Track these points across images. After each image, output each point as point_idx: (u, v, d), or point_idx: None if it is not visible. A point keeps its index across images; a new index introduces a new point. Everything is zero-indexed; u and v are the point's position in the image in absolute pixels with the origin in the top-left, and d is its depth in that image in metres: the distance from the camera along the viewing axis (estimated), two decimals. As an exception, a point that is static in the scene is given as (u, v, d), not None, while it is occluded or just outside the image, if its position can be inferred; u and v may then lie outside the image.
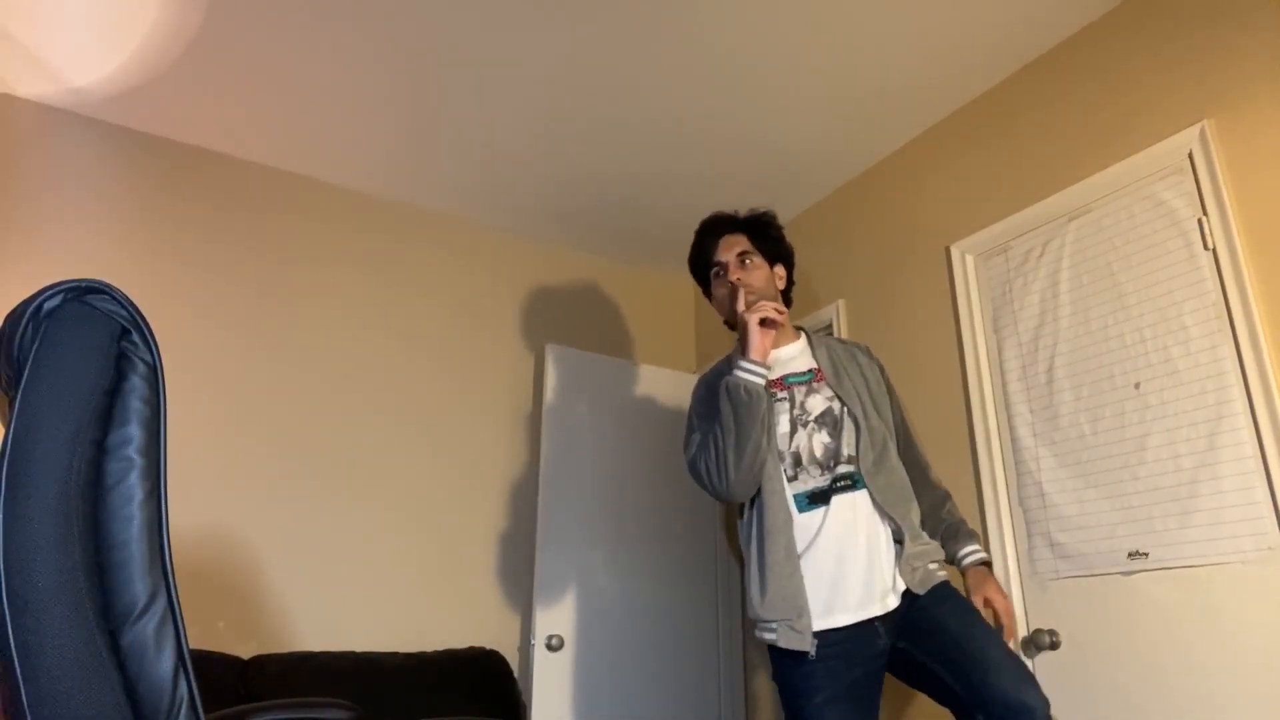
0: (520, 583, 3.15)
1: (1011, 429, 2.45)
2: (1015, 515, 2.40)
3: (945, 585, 1.86)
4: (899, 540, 1.87)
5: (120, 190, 2.82)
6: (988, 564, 1.98)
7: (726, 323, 2.12)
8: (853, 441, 1.93)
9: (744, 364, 1.86)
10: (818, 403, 1.96)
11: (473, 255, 3.49)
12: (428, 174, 3.21)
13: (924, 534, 1.92)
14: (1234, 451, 1.94)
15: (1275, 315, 1.93)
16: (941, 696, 1.72)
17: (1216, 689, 1.89)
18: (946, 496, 2.08)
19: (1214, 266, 2.04)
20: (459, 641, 2.94)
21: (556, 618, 3.01)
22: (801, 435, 1.93)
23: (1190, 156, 2.13)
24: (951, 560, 1.98)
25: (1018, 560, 2.37)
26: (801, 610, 1.78)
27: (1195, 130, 2.12)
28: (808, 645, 1.75)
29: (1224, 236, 2.03)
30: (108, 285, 0.85)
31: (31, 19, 2.39)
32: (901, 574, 1.83)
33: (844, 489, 1.88)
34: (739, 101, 2.79)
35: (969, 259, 2.69)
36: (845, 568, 1.82)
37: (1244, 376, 1.94)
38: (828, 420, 1.94)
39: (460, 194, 3.35)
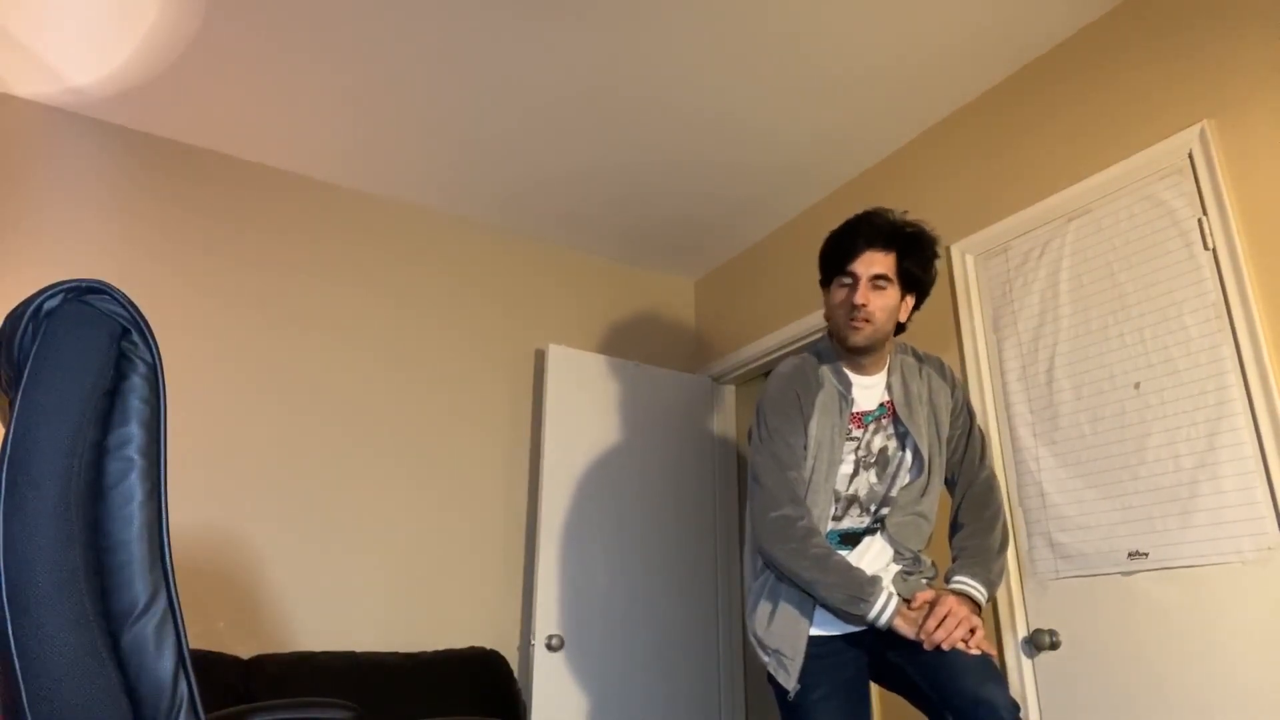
0: (520, 583, 3.15)
1: (1011, 429, 2.45)
2: (1015, 515, 2.40)
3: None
4: (910, 566, 1.84)
5: (120, 190, 2.82)
6: (971, 598, 1.74)
7: (826, 317, 1.98)
8: (902, 484, 1.85)
9: (880, 618, 1.67)
10: (879, 441, 1.88)
11: (473, 255, 3.49)
12: (428, 173, 3.21)
13: (928, 561, 1.88)
14: (1234, 451, 1.94)
15: (1275, 315, 1.93)
16: (916, 700, 1.72)
17: (1216, 688, 1.89)
18: (986, 529, 1.87)
19: (1214, 266, 2.04)
20: (459, 641, 2.94)
21: (556, 618, 3.01)
22: (861, 478, 1.86)
23: (1190, 156, 2.13)
24: (946, 580, 1.89)
25: (1018, 560, 2.37)
26: (797, 652, 1.77)
27: (1195, 130, 2.12)
28: (791, 686, 1.75)
29: (1224, 236, 2.03)
30: (107, 285, 0.85)
31: (31, 19, 2.39)
32: (895, 585, 1.80)
33: (874, 530, 1.85)
34: (739, 102, 2.79)
35: (969, 259, 2.69)
36: None
37: (1244, 376, 1.94)
38: (880, 461, 1.87)
39: (461, 194, 3.35)
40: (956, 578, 1.78)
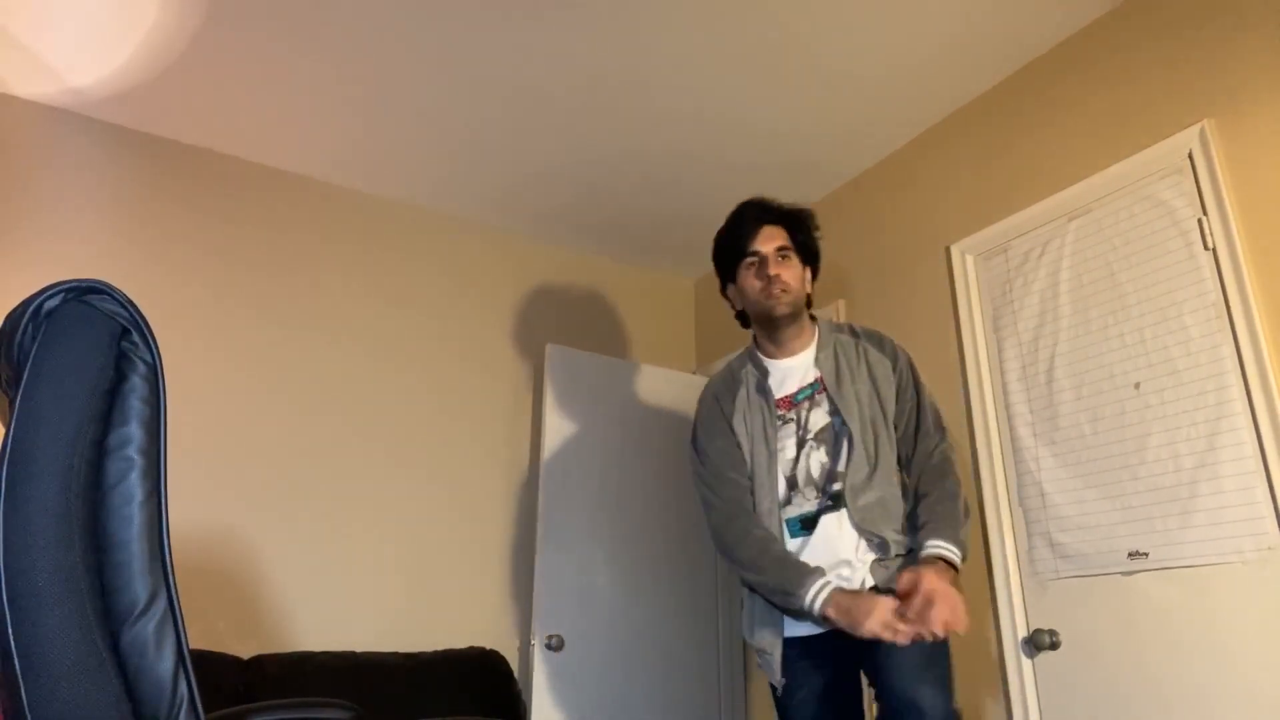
0: (520, 583, 3.15)
1: (1011, 429, 2.45)
2: (1015, 515, 2.40)
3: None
4: (882, 551, 1.79)
5: (120, 190, 2.82)
6: (947, 560, 1.70)
7: (739, 313, 2.05)
8: (845, 459, 1.83)
9: (813, 608, 1.69)
10: (819, 418, 1.86)
11: (473, 255, 3.49)
12: (428, 172, 3.21)
13: (905, 540, 1.82)
14: (1234, 451, 1.94)
15: (1275, 315, 1.93)
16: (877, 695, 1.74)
17: (1216, 688, 1.89)
18: (948, 497, 1.84)
19: (1214, 266, 2.04)
20: (459, 641, 2.94)
21: (556, 618, 3.00)
22: (808, 455, 1.85)
23: (1190, 156, 2.13)
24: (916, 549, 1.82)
25: (1018, 560, 2.37)
26: (775, 648, 1.80)
27: (1195, 130, 2.12)
28: (777, 680, 1.79)
29: (1224, 236, 2.03)
30: (107, 285, 0.85)
31: (31, 19, 2.39)
32: (873, 574, 1.76)
33: (830, 509, 1.81)
34: (739, 102, 2.79)
35: (969, 259, 2.69)
36: None
37: (1244, 376, 1.94)
38: (826, 437, 1.85)
39: (460, 193, 3.35)
40: (930, 542, 1.72)
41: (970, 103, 2.79)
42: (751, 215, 1.98)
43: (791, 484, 1.84)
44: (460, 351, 3.33)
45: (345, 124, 2.90)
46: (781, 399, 1.91)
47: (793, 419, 1.88)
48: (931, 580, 1.60)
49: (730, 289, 2.04)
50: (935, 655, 1.67)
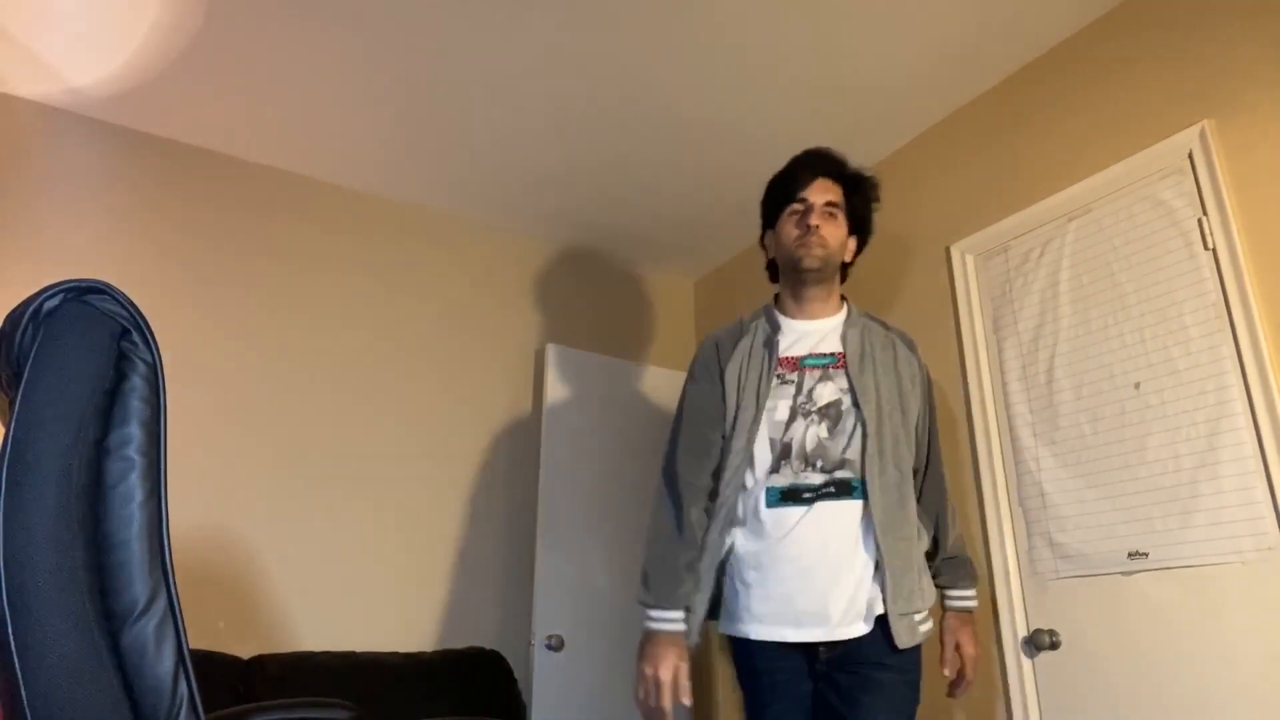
0: (520, 583, 3.15)
1: (1011, 429, 2.45)
2: (1015, 515, 2.40)
3: (914, 657, 1.66)
4: (879, 565, 1.65)
5: (120, 190, 2.82)
6: (971, 611, 1.82)
7: (770, 263, 1.93)
8: (858, 444, 1.68)
9: (646, 622, 1.70)
10: (827, 392, 1.72)
11: (473, 255, 3.49)
12: (428, 173, 3.21)
13: (916, 568, 1.69)
14: (1234, 451, 1.94)
15: (1275, 315, 1.92)
16: None
17: (1216, 689, 1.89)
18: (954, 528, 1.86)
19: (1214, 266, 2.04)
20: (459, 641, 2.94)
21: (556, 618, 3.00)
22: (799, 425, 1.70)
23: (1190, 156, 2.13)
24: (941, 594, 1.82)
25: (1018, 560, 2.37)
26: (702, 604, 1.73)
27: (1195, 130, 2.12)
28: (693, 641, 1.71)
29: (1224, 236, 2.03)
30: (107, 285, 0.85)
31: (31, 19, 2.39)
32: (890, 614, 1.61)
33: (834, 496, 1.66)
34: (740, 101, 2.79)
35: (969, 259, 2.69)
36: (808, 582, 1.64)
37: (1244, 376, 1.94)
38: (831, 413, 1.70)
39: (461, 193, 3.35)
40: (952, 593, 1.77)
41: (970, 103, 2.79)
42: (810, 163, 1.87)
43: (783, 452, 1.70)
44: (460, 351, 3.33)
45: (345, 124, 2.90)
46: (786, 359, 1.77)
47: (793, 381, 1.74)
48: (970, 649, 1.75)
49: (768, 236, 1.92)
50: (911, 699, 1.64)
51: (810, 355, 1.77)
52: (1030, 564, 2.33)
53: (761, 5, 2.38)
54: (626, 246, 3.78)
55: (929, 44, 2.53)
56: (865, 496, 1.66)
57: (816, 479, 1.68)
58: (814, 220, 1.78)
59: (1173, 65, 2.21)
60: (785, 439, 1.71)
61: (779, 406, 1.73)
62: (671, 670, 1.63)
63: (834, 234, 1.80)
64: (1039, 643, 2.24)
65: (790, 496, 1.68)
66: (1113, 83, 2.35)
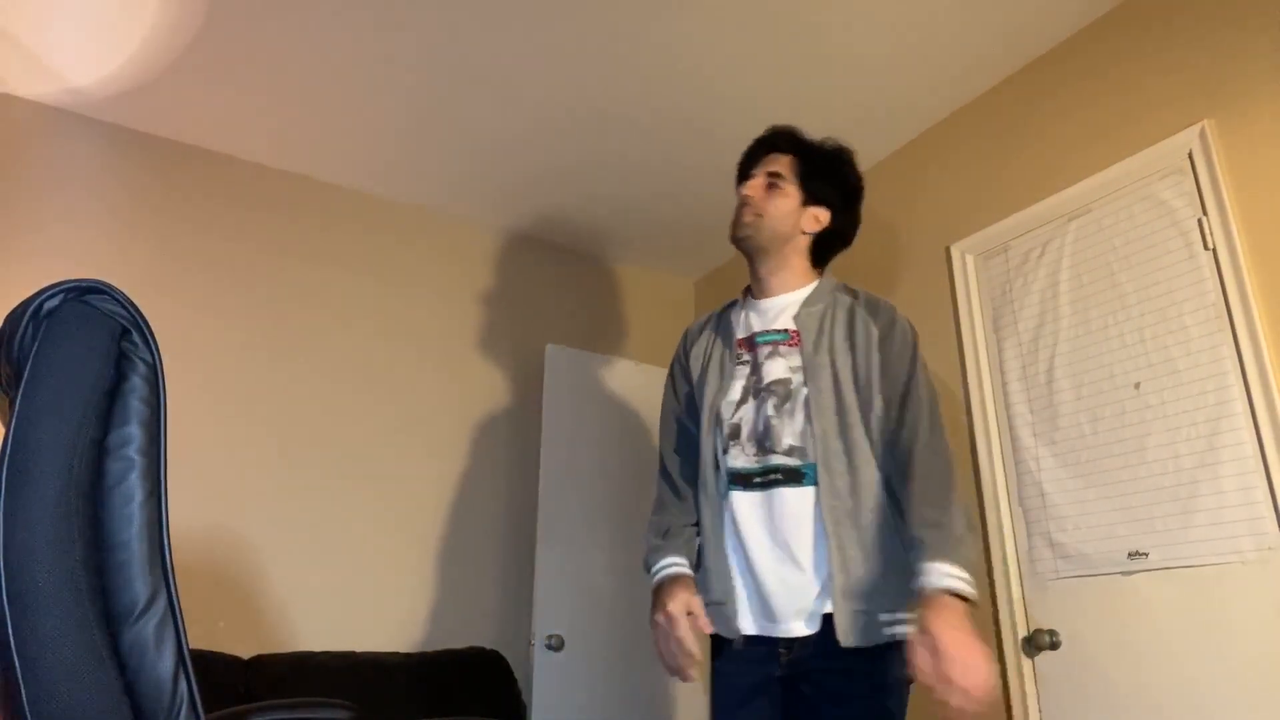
0: (520, 583, 3.15)
1: (1011, 429, 2.45)
2: (1015, 515, 2.40)
3: (888, 656, 1.43)
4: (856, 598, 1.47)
5: (120, 190, 2.82)
6: (954, 592, 1.35)
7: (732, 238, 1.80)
8: (801, 426, 1.56)
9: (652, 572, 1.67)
10: (777, 369, 1.62)
11: (473, 255, 3.49)
12: (428, 173, 3.21)
13: (884, 559, 1.49)
14: (1234, 451, 1.94)
15: (1275, 315, 1.92)
16: None
17: (1216, 688, 1.89)
18: (926, 505, 1.48)
19: (1214, 266, 2.04)
20: (459, 641, 2.94)
21: (556, 618, 3.00)
22: (749, 406, 1.62)
23: (1190, 156, 2.13)
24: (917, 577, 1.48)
25: (1018, 560, 2.37)
26: (729, 592, 1.58)
27: (1195, 130, 2.12)
28: (734, 630, 1.56)
29: (1224, 236, 2.03)
30: (108, 285, 0.85)
31: (31, 19, 2.39)
32: (837, 609, 1.45)
33: (784, 483, 1.55)
34: (741, 101, 2.79)
35: (969, 259, 2.69)
36: (756, 573, 1.55)
37: (1244, 376, 1.94)
38: (779, 391, 1.60)
39: (461, 194, 3.35)
40: (933, 566, 1.37)
41: (970, 102, 2.79)
42: (760, 139, 1.85)
43: (731, 433, 1.62)
44: (461, 351, 3.33)
45: (346, 124, 2.90)
46: (741, 339, 1.70)
47: (748, 361, 1.67)
48: (944, 639, 1.30)
49: None
50: (881, 711, 1.46)
51: (761, 333, 1.69)
52: (1030, 564, 2.33)
53: (761, 9, 2.38)
54: (627, 246, 3.78)
55: (929, 44, 2.53)
56: (818, 484, 1.53)
57: (773, 460, 1.57)
58: (745, 190, 1.76)
59: (1173, 65, 2.21)
60: (734, 419, 1.63)
61: (734, 387, 1.66)
62: (681, 604, 1.56)
63: (773, 204, 1.73)
64: (1039, 643, 2.24)
65: (739, 480, 1.60)
66: (1113, 82, 2.35)
